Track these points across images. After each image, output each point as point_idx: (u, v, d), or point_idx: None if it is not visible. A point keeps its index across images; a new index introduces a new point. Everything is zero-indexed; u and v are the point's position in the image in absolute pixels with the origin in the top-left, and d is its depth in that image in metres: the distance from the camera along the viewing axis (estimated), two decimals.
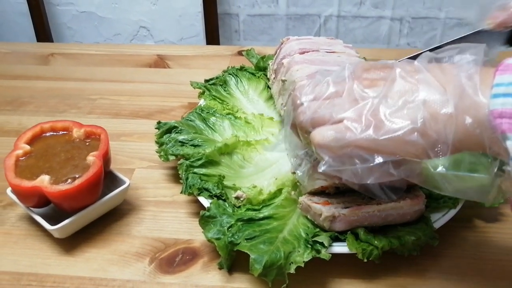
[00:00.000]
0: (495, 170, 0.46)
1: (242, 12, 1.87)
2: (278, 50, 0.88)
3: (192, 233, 0.67)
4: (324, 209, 0.60)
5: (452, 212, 0.64)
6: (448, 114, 0.46)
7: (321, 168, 0.53)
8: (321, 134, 0.52)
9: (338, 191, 0.63)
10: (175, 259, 0.64)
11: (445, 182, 0.49)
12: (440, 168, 0.49)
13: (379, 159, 0.50)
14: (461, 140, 0.46)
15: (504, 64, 0.44)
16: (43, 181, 0.61)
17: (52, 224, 0.62)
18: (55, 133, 0.70)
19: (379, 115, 0.49)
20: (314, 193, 0.64)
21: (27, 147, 0.66)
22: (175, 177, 0.76)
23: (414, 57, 0.54)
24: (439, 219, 0.63)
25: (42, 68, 1.11)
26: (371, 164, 0.50)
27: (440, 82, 0.49)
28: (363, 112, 0.50)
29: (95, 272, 0.62)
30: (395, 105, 0.49)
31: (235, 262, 0.61)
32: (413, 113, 0.48)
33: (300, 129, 0.57)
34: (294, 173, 0.67)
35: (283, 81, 0.79)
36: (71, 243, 0.65)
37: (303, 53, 0.81)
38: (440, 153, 0.47)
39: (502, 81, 0.43)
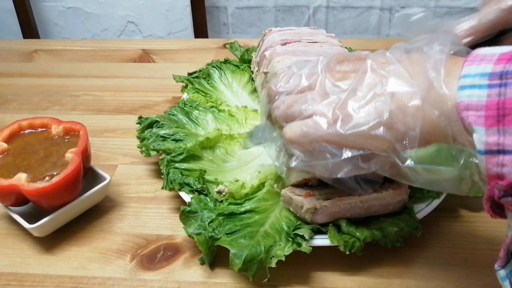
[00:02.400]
0: (461, 162, 0.46)
1: (230, 5, 1.86)
2: (261, 42, 0.87)
3: (174, 228, 0.66)
4: (305, 201, 0.59)
5: (436, 202, 0.63)
6: (415, 106, 0.46)
7: (293, 163, 0.53)
8: (291, 130, 0.52)
9: (320, 183, 0.62)
10: (156, 255, 0.63)
11: (414, 175, 0.49)
12: (408, 162, 0.48)
13: (347, 154, 0.50)
14: (429, 132, 0.46)
15: (473, 55, 0.43)
16: (20, 179, 0.60)
17: (32, 222, 0.61)
18: (33, 130, 0.69)
19: (347, 109, 0.49)
20: (297, 185, 0.63)
21: (4, 145, 0.65)
22: (158, 173, 0.75)
23: None
24: (423, 210, 0.63)
25: (25, 65, 1.09)
26: (340, 159, 0.50)
27: (409, 74, 0.48)
28: (331, 106, 0.50)
29: (75, 270, 0.61)
30: (364, 98, 0.49)
31: (217, 257, 0.61)
32: (381, 106, 0.48)
33: (274, 123, 0.57)
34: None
35: (265, 73, 0.78)
36: (51, 241, 0.65)
37: (284, 44, 0.80)
38: (408, 146, 0.47)
39: (469, 72, 0.42)
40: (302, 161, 0.52)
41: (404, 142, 0.47)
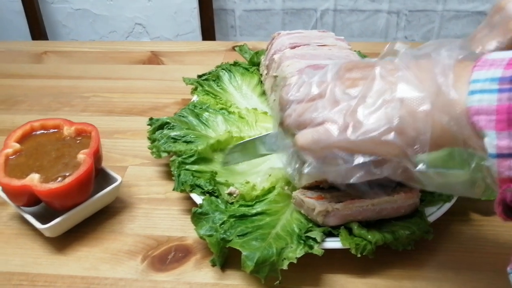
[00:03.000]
0: (473, 165, 0.46)
1: (238, 7, 1.86)
2: (270, 46, 0.87)
3: (185, 230, 0.66)
4: (317, 203, 0.59)
5: (447, 206, 0.63)
6: (425, 111, 0.46)
7: (305, 170, 0.54)
8: (303, 137, 0.53)
9: (332, 186, 0.62)
10: (167, 256, 0.63)
11: (427, 179, 0.49)
12: (420, 166, 0.48)
13: (359, 160, 0.50)
14: (439, 136, 0.46)
15: (482, 59, 0.43)
16: (33, 179, 0.61)
17: (43, 223, 0.62)
18: (45, 131, 0.69)
19: (357, 116, 0.49)
20: (308, 187, 0.63)
21: (17, 146, 0.66)
22: (168, 174, 0.75)
23: None
24: (434, 213, 0.63)
25: (35, 66, 1.10)
26: (352, 165, 0.50)
27: (418, 79, 0.48)
28: (342, 113, 0.50)
29: (87, 271, 0.61)
30: (374, 104, 0.49)
31: (228, 259, 0.61)
32: (391, 112, 0.48)
33: (286, 131, 0.58)
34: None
35: (275, 76, 0.78)
36: (63, 242, 0.65)
37: (293, 47, 0.80)
38: (419, 150, 0.47)
39: (479, 77, 0.42)
40: (314, 167, 0.53)
41: (415, 147, 0.47)
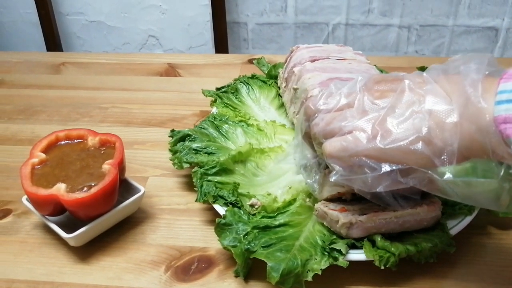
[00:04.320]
0: (502, 173, 0.47)
1: (251, 20, 1.88)
2: (289, 59, 0.88)
3: (207, 241, 0.67)
4: (341, 215, 0.60)
5: (468, 219, 0.64)
6: (453, 122, 0.48)
7: (332, 178, 0.54)
8: (331, 145, 0.54)
9: (354, 198, 0.63)
10: (190, 267, 0.63)
11: (453, 188, 0.50)
12: (447, 175, 0.49)
13: (386, 168, 0.51)
14: (467, 147, 0.47)
15: (509, 73, 0.45)
16: (60, 189, 0.62)
17: (67, 232, 0.62)
18: (70, 142, 0.70)
19: (386, 125, 0.51)
20: (330, 200, 0.64)
21: (43, 156, 0.67)
22: (189, 185, 0.76)
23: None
24: (455, 226, 0.63)
25: (53, 77, 1.11)
26: (379, 173, 0.51)
27: (447, 92, 0.50)
28: (371, 122, 0.52)
29: (111, 280, 0.62)
30: (403, 115, 0.51)
31: (251, 270, 0.61)
32: (419, 123, 0.49)
33: (313, 140, 0.59)
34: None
35: (295, 89, 0.79)
36: (86, 251, 0.65)
37: (313, 61, 0.81)
38: (447, 161, 0.48)
39: (506, 88, 0.44)
40: (341, 175, 0.54)
41: (442, 157, 0.49)
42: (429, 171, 0.50)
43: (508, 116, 0.43)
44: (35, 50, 1.97)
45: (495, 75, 0.47)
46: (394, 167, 0.51)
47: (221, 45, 1.86)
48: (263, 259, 0.57)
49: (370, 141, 0.51)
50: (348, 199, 0.63)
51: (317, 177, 0.64)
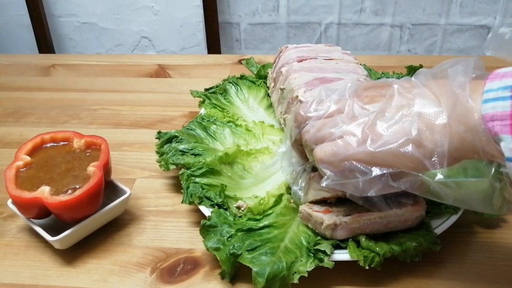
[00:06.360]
0: (492, 172, 0.47)
1: (243, 21, 1.88)
2: (277, 59, 0.88)
3: (194, 242, 0.67)
4: (325, 217, 0.59)
5: (454, 218, 0.64)
6: (442, 124, 0.48)
7: (324, 183, 0.54)
8: (322, 150, 0.54)
9: (338, 200, 0.63)
10: (176, 268, 0.63)
11: (445, 190, 0.50)
12: (438, 176, 0.49)
13: (376, 172, 0.51)
14: (457, 148, 0.47)
15: (494, 73, 0.46)
16: (44, 192, 0.61)
17: (53, 235, 0.62)
18: (55, 144, 0.70)
19: (376, 129, 0.51)
20: (314, 202, 0.63)
21: (28, 158, 0.67)
22: (176, 187, 0.76)
23: None
24: (441, 225, 0.63)
25: (43, 79, 1.11)
26: (370, 177, 0.51)
27: (435, 95, 0.50)
28: (361, 127, 0.52)
29: (96, 283, 0.62)
30: (392, 118, 0.51)
31: (237, 270, 0.61)
32: (409, 125, 0.50)
33: (305, 147, 0.59)
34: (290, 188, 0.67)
35: (282, 89, 0.79)
36: (72, 254, 0.65)
37: (301, 61, 0.81)
38: (437, 163, 0.48)
39: (492, 87, 0.45)
40: (333, 180, 0.53)
41: (433, 159, 0.49)
42: (420, 174, 0.50)
43: (495, 113, 0.43)
44: (28, 53, 1.97)
45: (482, 77, 0.48)
46: (385, 171, 0.51)
47: (213, 45, 1.86)
48: (248, 265, 0.56)
49: (360, 145, 0.51)
50: (333, 202, 0.62)
51: (303, 184, 0.64)
